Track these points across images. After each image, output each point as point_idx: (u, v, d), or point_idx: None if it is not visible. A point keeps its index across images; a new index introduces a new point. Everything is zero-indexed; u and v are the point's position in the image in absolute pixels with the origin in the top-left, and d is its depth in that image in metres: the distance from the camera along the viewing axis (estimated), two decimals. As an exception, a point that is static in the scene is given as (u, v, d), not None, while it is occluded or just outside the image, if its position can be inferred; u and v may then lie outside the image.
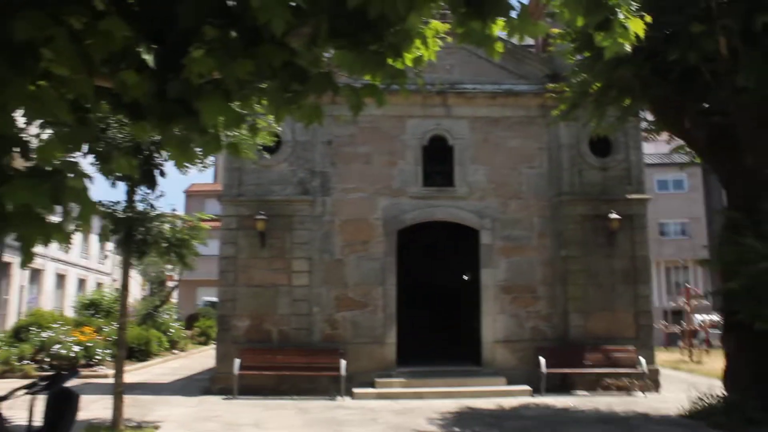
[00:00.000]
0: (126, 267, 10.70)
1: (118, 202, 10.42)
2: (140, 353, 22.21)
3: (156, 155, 10.56)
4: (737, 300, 11.18)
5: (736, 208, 11.88)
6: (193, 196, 49.02)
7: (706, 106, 12.25)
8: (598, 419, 11.90)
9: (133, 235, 10.21)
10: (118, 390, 10.12)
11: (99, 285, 41.21)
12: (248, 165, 15.85)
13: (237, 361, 14.40)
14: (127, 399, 13.20)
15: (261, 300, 15.28)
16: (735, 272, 11.26)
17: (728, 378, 11.84)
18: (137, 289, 45.08)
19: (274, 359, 14.63)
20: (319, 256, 15.55)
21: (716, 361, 23.52)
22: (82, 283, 38.97)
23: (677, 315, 31.64)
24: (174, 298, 49.44)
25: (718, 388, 12.58)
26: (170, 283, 34.41)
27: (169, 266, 29.59)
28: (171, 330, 26.74)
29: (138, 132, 5.55)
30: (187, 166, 10.72)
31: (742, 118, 11.53)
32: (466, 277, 20.12)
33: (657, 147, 32.83)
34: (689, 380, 17.87)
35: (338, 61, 5.16)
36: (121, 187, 10.59)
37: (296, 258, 15.44)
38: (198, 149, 5.67)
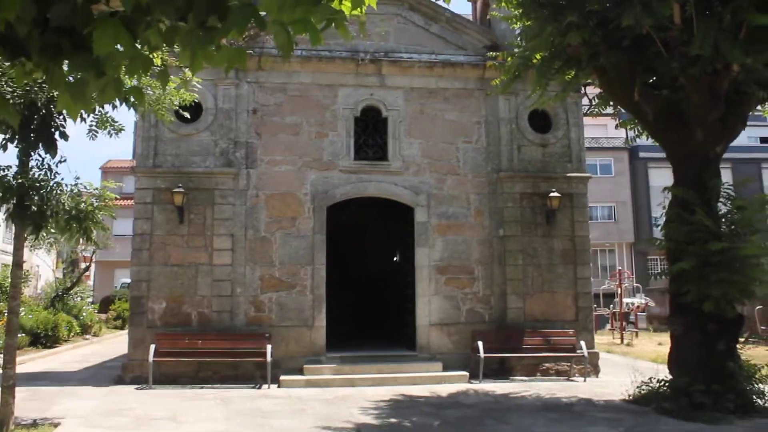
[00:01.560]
0: (19, 242, 9.33)
1: (8, 167, 9.05)
2: (47, 339, 20.52)
3: (56, 114, 9.26)
4: (685, 281, 10.69)
5: (684, 185, 11.37)
6: (110, 172, 46.73)
7: (655, 78, 11.70)
8: (541, 406, 11.27)
9: (26, 205, 8.85)
10: (9, 383, 8.80)
11: (4, 266, 38.67)
12: (165, 134, 14.54)
13: (152, 347, 13.14)
14: (26, 392, 11.89)
15: (179, 280, 14.03)
16: (683, 252, 10.78)
17: (674, 361, 11.38)
18: (49, 270, 42.62)
19: (193, 344, 13.43)
20: (243, 232, 14.39)
21: (646, 344, 23.62)
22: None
23: (606, 298, 31.74)
24: (90, 280, 47.20)
25: (656, 372, 12.19)
26: (84, 264, 32.36)
27: (80, 245, 27.82)
28: (83, 314, 24.98)
29: (18, 75, 4.45)
30: (83, 117, 9.48)
31: (693, 92, 10.99)
32: (395, 258, 19.33)
33: (586, 131, 32.77)
34: (624, 363, 17.58)
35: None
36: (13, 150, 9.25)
37: (218, 235, 14.23)
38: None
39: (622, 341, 24.24)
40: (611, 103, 13.30)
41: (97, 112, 10.08)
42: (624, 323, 25.38)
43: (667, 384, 11.31)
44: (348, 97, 15.28)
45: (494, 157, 15.53)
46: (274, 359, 13.38)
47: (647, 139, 13.68)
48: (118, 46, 4.04)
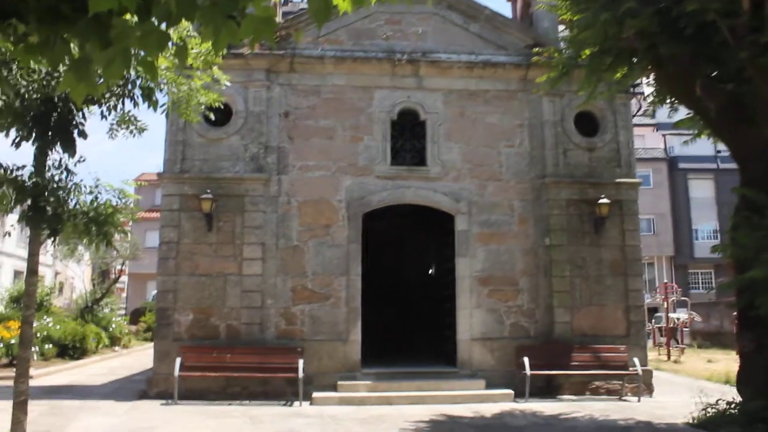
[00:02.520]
0: (34, 246, 8.69)
1: (23, 167, 8.43)
2: (74, 350, 20.01)
3: (74, 111, 8.65)
4: (758, 292, 9.67)
5: (751, 186, 10.39)
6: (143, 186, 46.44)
7: (720, 71, 10.75)
8: (596, 429, 10.33)
9: (41, 207, 8.21)
10: (20, 399, 8.12)
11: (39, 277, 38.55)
12: (194, 138, 13.95)
13: (178, 361, 12.46)
14: (46, 406, 11.29)
15: (207, 291, 13.36)
16: (755, 260, 9.77)
17: (743, 381, 10.35)
18: (82, 283, 42.50)
19: (221, 358, 12.73)
20: (275, 241, 13.69)
21: (694, 361, 22.41)
22: (18, 275, 36.36)
23: (648, 312, 30.47)
24: (123, 292, 47.07)
25: (719, 392, 11.16)
26: (114, 276, 32.02)
27: (103, 252, 27.43)
28: (112, 325, 24.51)
29: (19, 54, 3.84)
30: (104, 115, 8.89)
31: (763, 84, 10.02)
32: (433, 270, 18.52)
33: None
34: (678, 382, 16.56)
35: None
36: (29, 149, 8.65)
37: (248, 244, 13.54)
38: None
39: (668, 358, 23.08)
40: (669, 100, 12.34)
41: (119, 110, 9.50)
42: (671, 339, 24.15)
43: (737, 406, 10.29)
44: (384, 100, 14.55)
45: (538, 162, 14.66)
46: (306, 375, 12.62)
47: (708, 138, 12.67)
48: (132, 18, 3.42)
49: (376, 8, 14.78)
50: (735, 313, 11.58)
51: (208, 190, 13.32)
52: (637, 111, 15.80)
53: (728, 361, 21.56)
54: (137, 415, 11.07)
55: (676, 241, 47.25)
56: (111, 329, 24.27)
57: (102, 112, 9.39)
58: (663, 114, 50.00)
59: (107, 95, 9.03)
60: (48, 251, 33.65)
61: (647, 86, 13.03)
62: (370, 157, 14.26)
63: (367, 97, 14.55)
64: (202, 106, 9.96)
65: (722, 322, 30.55)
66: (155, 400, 12.48)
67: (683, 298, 28.66)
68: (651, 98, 12.77)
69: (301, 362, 12.51)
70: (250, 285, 13.38)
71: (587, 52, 11.55)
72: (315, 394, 12.57)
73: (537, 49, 13.55)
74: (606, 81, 12.12)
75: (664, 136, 48.46)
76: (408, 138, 14.73)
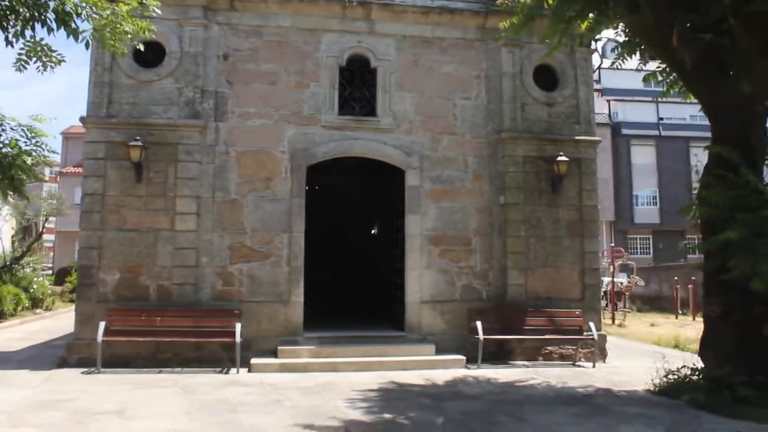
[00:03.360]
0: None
1: None
2: (-11, 313, 18.51)
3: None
4: (731, 254, 9.09)
5: (724, 143, 9.78)
6: (72, 138, 43.85)
7: (698, 21, 10.01)
8: (555, 398, 9.69)
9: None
10: None
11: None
12: (122, 79, 12.62)
13: (102, 324, 11.31)
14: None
15: (136, 248, 12.16)
16: (729, 221, 9.17)
17: (709, 347, 9.86)
18: (7, 241, 40.14)
19: (151, 321, 11.62)
20: (211, 194, 12.54)
21: (637, 324, 22.29)
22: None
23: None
24: (51, 251, 44.78)
25: (673, 357, 10.70)
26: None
27: (38, 209, 25.71)
28: (34, 285, 22.90)
29: None
30: (10, 42, 7.67)
31: (743, 34, 9.35)
32: (377, 229, 17.70)
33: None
34: (625, 346, 16.27)
35: None
36: None
37: (181, 197, 12.36)
38: None
39: (613, 322, 22.89)
40: (638, 51, 11.61)
41: (28, 38, 8.22)
42: (617, 303, 24.04)
43: (699, 373, 9.81)
44: (333, 44, 13.44)
45: (495, 116, 13.84)
46: (244, 339, 11.65)
47: (679, 91, 12.00)
48: None
49: (325, -55, 13.59)
50: (694, 278, 11.04)
51: (138, 137, 12.05)
52: (598, 66, 15.07)
53: (670, 325, 21.56)
54: (53, 386, 9.91)
55: (617, 207, 47.62)
56: (32, 290, 22.67)
57: (7, 38, 8.11)
58: (608, 79, 49.75)
59: (11, 17, 7.73)
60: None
61: (617, 36, 12.24)
62: (316, 105, 13.18)
63: (314, 40, 13.41)
64: (130, 37, 8.72)
65: (661, 286, 30.82)
66: (76, 369, 11.33)
67: (629, 263, 28.61)
68: (619, 50, 11.98)
69: (238, 326, 11.52)
70: (184, 242, 12.25)
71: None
72: (254, 361, 11.62)
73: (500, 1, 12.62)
74: (571, 31, 11.34)
75: (608, 101, 48.48)
76: (358, 86, 13.69)
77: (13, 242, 27.91)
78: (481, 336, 12.11)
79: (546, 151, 13.80)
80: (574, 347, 13.23)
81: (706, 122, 10.84)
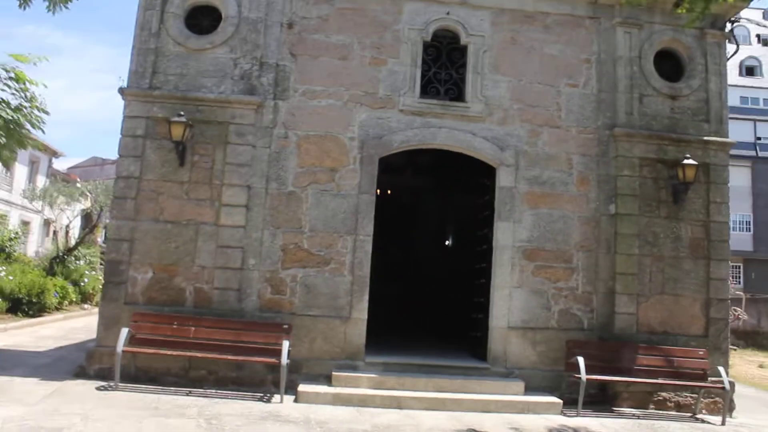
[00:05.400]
0: None
1: None
2: (30, 306, 17.09)
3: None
4: None
5: None
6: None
7: None
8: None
9: None
10: None
11: (25, 224, 35.85)
12: (169, 46, 10.86)
13: (124, 332, 9.46)
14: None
15: (173, 243, 10.30)
16: None
17: None
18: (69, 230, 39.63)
19: (184, 332, 9.72)
20: (264, 185, 10.59)
21: (741, 364, 19.34)
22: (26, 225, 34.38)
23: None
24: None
25: None
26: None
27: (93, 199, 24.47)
28: (85, 279, 21.57)
29: None
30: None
31: None
32: (457, 240, 15.50)
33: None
34: (743, 393, 13.46)
35: None
36: None
37: (229, 185, 10.45)
38: None
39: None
40: None
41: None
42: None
43: None
44: (416, 15, 11.35)
45: (607, 108, 11.47)
46: (292, 361, 9.64)
47: None
48: None
49: None
50: None
51: (182, 113, 10.19)
52: (734, 53, 12.54)
53: (782, 368, 18.62)
54: (54, 405, 8.04)
55: None
56: (83, 284, 21.34)
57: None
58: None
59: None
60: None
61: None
62: (393, 85, 11.09)
63: (395, 9, 11.35)
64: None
65: (759, 320, 27.57)
66: (93, 381, 9.50)
67: (737, 293, 25.51)
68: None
69: (286, 344, 9.47)
70: (229, 239, 10.32)
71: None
72: (302, 387, 9.55)
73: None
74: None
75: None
76: (444, 66, 11.53)
77: (67, 233, 26.85)
78: (583, 376, 9.75)
79: (667, 152, 11.36)
80: (694, 396, 10.70)
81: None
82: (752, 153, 47.04)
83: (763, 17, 50.52)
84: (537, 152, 11.22)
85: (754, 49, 52.20)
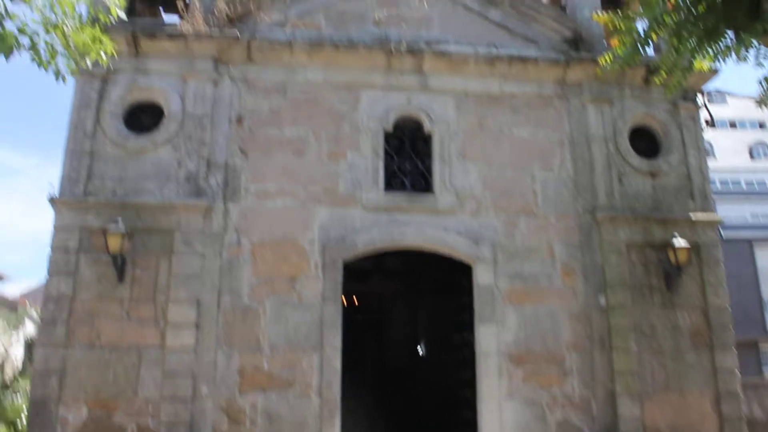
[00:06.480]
0: None
1: None
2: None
3: None
4: None
5: None
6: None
7: None
8: None
9: None
10: None
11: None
12: (106, 148, 9.85)
13: (53, 487, 7.96)
14: None
15: (112, 372, 8.91)
16: None
17: None
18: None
19: (126, 479, 8.24)
20: (216, 299, 9.36)
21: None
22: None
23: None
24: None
25: None
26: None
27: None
28: (23, 419, 19.46)
29: None
30: None
31: None
32: (420, 352, 14.35)
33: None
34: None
35: None
36: None
37: (176, 301, 9.19)
38: None
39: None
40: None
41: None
42: None
43: None
44: (375, 103, 10.55)
45: (586, 191, 10.67)
46: (256, 506, 8.21)
47: None
48: None
49: (366, -15, 11.01)
50: None
51: (119, 219, 9.03)
52: (708, 124, 12.01)
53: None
54: None
55: (740, 314, 42.48)
56: (21, 427, 19.26)
57: None
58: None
59: None
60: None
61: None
62: (355, 180, 10.15)
63: (352, 98, 10.54)
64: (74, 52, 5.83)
65: (751, 408, 26.41)
66: None
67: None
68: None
69: (248, 487, 8.08)
70: (177, 364, 8.98)
71: (667, 18, 7.58)
72: None
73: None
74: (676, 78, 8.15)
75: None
76: (408, 156, 10.68)
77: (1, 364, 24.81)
78: (592, 498, 8.50)
79: (654, 234, 10.53)
80: None
81: None
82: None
83: (709, 100, 51.71)
84: (515, 244, 10.26)
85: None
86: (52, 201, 9.44)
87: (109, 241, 8.91)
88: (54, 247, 9.29)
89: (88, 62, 6.37)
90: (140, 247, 9.35)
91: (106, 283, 9.20)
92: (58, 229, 9.36)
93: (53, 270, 9.20)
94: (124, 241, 8.98)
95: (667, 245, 10.24)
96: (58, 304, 9.04)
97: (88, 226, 9.33)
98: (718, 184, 50.53)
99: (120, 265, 9.12)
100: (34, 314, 23.47)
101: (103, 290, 9.18)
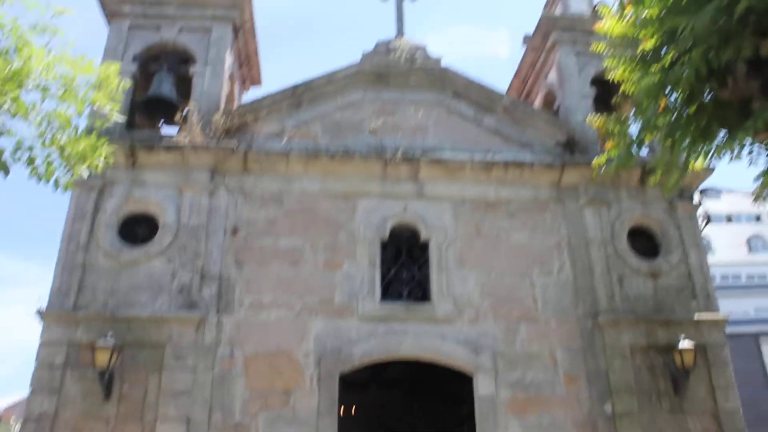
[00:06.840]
0: None
1: None
2: None
3: None
4: None
5: None
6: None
7: None
8: None
9: None
10: None
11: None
12: (99, 260, 9.74)
13: None
14: None
15: (96, 500, 8.49)
16: None
17: None
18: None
19: None
20: (207, 416, 8.99)
21: None
22: None
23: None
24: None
25: None
26: None
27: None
28: None
29: None
30: None
31: None
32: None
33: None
34: None
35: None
36: None
37: (165, 419, 8.83)
38: None
39: None
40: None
41: None
42: None
43: None
44: (372, 212, 10.55)
45: (586, 295, 10.48)
46: None
47: None
48: None
49: (362, 95, 11.26)
50: None
51: (108, 333, 8.81)
52: (706, 223, 11.98)
53: None
54: None
55: (756, 410, 41.53)
56: None
57: None
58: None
59: None
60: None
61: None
62: (351, 290, 9.99)
63: (349, 207, 10.54)
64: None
65: None
66: None
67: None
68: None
69: None
70: (166, 489, 8.56)
71: (660, 121, 7.62)
72: None
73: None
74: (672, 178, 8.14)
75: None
76: (405, 265, 10.56)
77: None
78: None
79: (658, 336, 10.26)
80: None
81: None
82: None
83: (704, 197, 52.30)
84: (516, 352, 9.98)
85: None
86: (41, 314, 9.25)
87: (97, 357, 8.67)
88: (39, 363, 9.03)
89: (85, 172, 6.38)
90: (129, 362, 9.08)
91: (92, 400, 8.88)
92: (45, 344, 9.13)
93: (36, 387, 8.90)
94: (113, 356, 8.74)
95: (672, 348, 9.97)
96: (39, 424, 8.69)
97: (77, 341, 9.11)
98: (718, 279, 50.35)
99: (107, 381, 8.83)
100: (18, 430, 22.72)
101: (88, 408, 8.86)
